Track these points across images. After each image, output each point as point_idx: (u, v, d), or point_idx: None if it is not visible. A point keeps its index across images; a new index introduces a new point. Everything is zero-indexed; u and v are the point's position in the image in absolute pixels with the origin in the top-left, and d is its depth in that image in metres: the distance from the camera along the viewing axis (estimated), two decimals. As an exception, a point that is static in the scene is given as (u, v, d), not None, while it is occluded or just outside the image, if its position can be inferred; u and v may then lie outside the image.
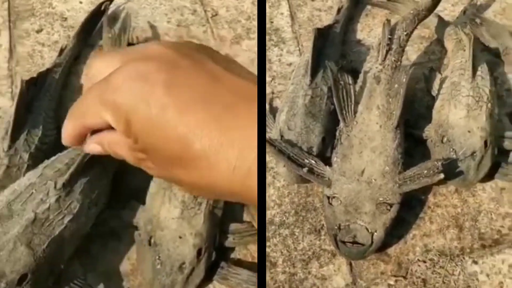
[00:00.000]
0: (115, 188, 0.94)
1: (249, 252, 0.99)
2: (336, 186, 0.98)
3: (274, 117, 1.11)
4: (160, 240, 0.88)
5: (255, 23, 1.20)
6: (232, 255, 0.98)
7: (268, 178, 1.09)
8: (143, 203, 0.93)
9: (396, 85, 1.03)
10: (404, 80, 1.02)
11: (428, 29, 1.27)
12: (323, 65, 1.11)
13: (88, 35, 1.13)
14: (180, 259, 0.88)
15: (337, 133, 1.04)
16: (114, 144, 0.63)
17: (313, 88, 1.07)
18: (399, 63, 1.08)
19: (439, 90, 1.11)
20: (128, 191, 0.97)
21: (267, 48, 1.26)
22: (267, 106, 1.15)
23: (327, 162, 1.02)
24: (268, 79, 1.21)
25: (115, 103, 0.58)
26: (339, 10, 1.27)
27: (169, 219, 0.89)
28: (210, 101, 0.56)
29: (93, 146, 0.65)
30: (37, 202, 0.80)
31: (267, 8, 1.32)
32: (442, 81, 1.12)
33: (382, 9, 1.32)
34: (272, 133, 1.07)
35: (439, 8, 1.21)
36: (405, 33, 1.11)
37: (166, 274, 0.87)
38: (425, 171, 0.97)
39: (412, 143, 1.07)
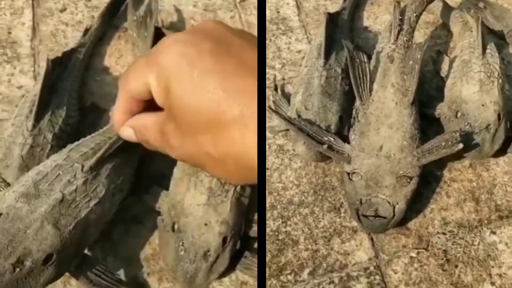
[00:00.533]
0: (138, 173, 0.94)
1: (274, 242, 1.00)
2: (356, 162, 1.00)
3: (288, 101, 1.13)
4: (185, 226, 0.87)
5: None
6: (256, 245, 0.98)
7: (285, 161, 1.10)
8: (166, 189, 0.93)
9: (410, 62, 1.05)
10: (419, 56, 1.04)
11: (433, 14, 1.29)
12: (335, 48, 1.13)
13: (113, 16, 1.11)
14: (205, 246, 0.87)
15: (353, 112, 1.06)
16: (144, 129, 0.64)
17: (327, 69, 1.09)
18: (410, 42, 1.10)
19: (449, 70, 1.13)
20: (150, 177, 0.97)
21: (275, 36, 1.28)
22: (279, 92, 1.16)
23: (345, 139, 1.04)
24: (278, 66, 1.23)
25: (160, 63, 0.59)
26: (345, -1, 1.29)
27: (194, 206, 0.87)
28: (252, 73, 0.57)
29: (128, 132, 0.66)
30: (65, 183, 0.79)
31: (274, -1, 1.34)
32: (451, 61, 1.15)
33: (386, -2, 1.35)
34: (288, 114, 1.08)
35: (442, -6, 1.24)
36: (415, 14, 1.14)
37: (190, 260, 0.86)
38: (443, 143, 0.98)
39: (425, 122, 1.09)
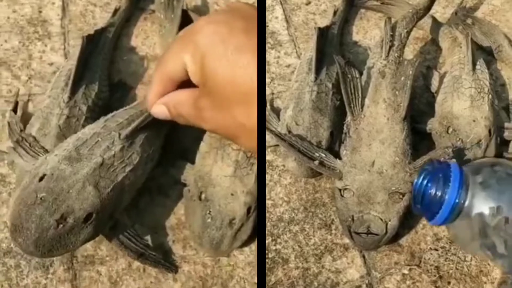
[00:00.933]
0: (164, 147, 0.98)
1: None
2: (347, 178, 0.99)
3: (278, 116, 1.12)
4: (212, 196, 0.92)
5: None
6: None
7: (274, 177, 1.09)
8: (191, 163, 0.97)
9: (402, 78, 1.04)
10: (410, 72, 1.03)
11: (422, 30, 1.30)
12: (325, 63, 1.13)
13: None
14: (230, 214, 0.92)
15: (344, 127, 1.05)
16: (178, 104, 0.70)
17: (318, 84, 1.08)
18: (401, 58, 1.10)
19: (439, 85, 1.13)
20: (177, 151, 1.01)
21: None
22: (268, 107, 1.15)
23: (336, 155, 1.03)
24: (267, 80, 1.22)
25: (195, 43, 0.65)
26: (335, 13, 1.29)
27: (221, 177, 0.92)
28: None
29: (161, 109, 0.72)
30: (104, 149, 0.84)
31: (262, 13, 1.33)
32: (442, 77, 1.14)
33: (375, 12, 1.34)
34: (278, 130, 1.07)
35: (431, 11, 1.24)
36: (405, 30, 1.14)
37: (216, 228, 0.91)
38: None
39: (416, 137, 1.08)
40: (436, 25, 1.28)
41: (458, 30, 1.23)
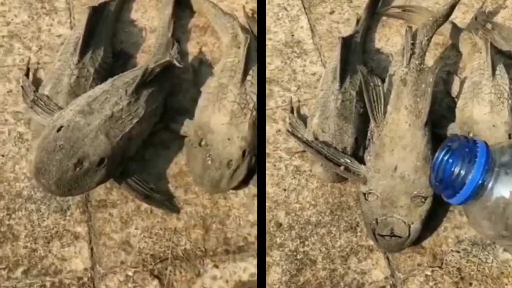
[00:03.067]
0: (166, 106, 1.11)
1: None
2: (371, 183, 1.03)
3: (304, 123, 1.16)
4: (211, 141, 1.04)
5: None
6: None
7: (302, 181, 1.13)
8: (191, 118, 1.08)
9: (423, 85, 1.08)
10: (431, 79, 1.07)
11: (442, 35, 1.32)
12: (349, 71, 1.17)
13: None
14: (228, 157, 1.03)
15: (368, 133, 1.09)
16: None
17: (343, 93, 1.13)
18: (422, 65, 1.13)
19: (460, 91, 1.16)
20: (176, 109, 1.12)
21: (290, 59, 1.31)
22: (295, 114, 1.19)
23: (360, 161, 1.07)
24: (294, 88, 1.26)
25: None
26: (357, 21, 1.32)
27: (219, 125, 1.03)
28: None
29: None
30: (113, 104, 0.97)
31: (287, 23, 1.37)
32: (462, 82, 1.17)
33: (396, 20, 1.38)
34: (305, 136, 1.11)
35: (451, 16, 1.27)
36: (426, 38, 1.17)
37: (216, 168, 1.03)
38: (457, 164, 1.01)
39: (437, 142, 1.11)
40: (456, 30, 1.30)
41: (477, 36, 1.25)
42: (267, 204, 1.10)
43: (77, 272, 0.98)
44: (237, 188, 1.08)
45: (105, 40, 1.16)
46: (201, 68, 1.22)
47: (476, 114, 1.09)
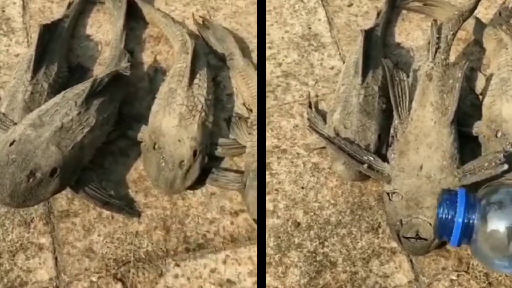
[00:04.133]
0: (122, 114, 1.14)
1: (234, 163, 1.13)
2: (396, 182, 0.99)
3: (322, 118, 1.12)
4: (163, 144, 1.06)
5: None
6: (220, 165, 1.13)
7: (321, 179, 1.09)
8: (146, 124, 1.11)
9: (450, 81, 1.04)
10: (459, 75, 1.03)
11: (465, 31, 1.28)
12: (371, 66, 1.13)
13: None
14: (180, 157, 1.05)
15: (391, 130, 1.05)
16: None
17: (365, 88, 1.09)
18: (447, 60, 1.10)
19: (486, 87, 1.12)
20: (132, 117, 1.15)
21: (307, 52, 1.27)
22: (313, 109, 1.15)
23: (384, 159, 1.03)
24: (311, 82, 1.22)
25: None
26: (378, 15, 1.28)
27: (169, 127, 1.07)
28: None
29: None
30: (62, 115, 1.01)
31: (304, 15, 1.33)
32: (488, 79, 1.14)
33: (417, 14, 1.34)
34: (325, 132, 1.07)
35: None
36: (451, 32, 1.14)
37: (169, 169, 1.05)
38: (486, 164, 0.97)
39: (461, 140, 1.07)
40: (480, 26, 1.26)
41: (502, 31, 1.22)
42: (284, 202, 1.07)
43: (43, 283, 0.99)
44: (193, 188, 1.08)
45: (59, 55, 1.19)
46: (156, 76, 1.23)
47: (505, 112, 1.05)
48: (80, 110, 1.02)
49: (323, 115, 1.13)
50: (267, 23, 1.32)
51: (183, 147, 1.06)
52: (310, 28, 1.32)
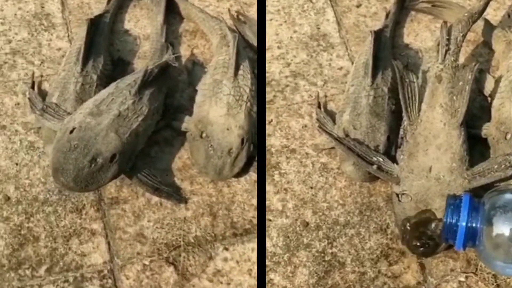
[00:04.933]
0: (166, 105, 1.17)
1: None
2: (405, 183, 0.99)
3: (331, 118, 1.13)
4: (211, 132, 1.09)
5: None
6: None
7: (329, 179, 1.10)
8: (190, 115, 1.14)
9: (460, 83, 1.04)
10: (469, 77, 1.03)
11: (473, 32, 1.28)
12: (380, 67, 1.13)
13: None
14: (228, 145, 1.08)
15: (401, 132, 1.05)
16: None
17: (374, 89, 1.09)
18: (457, 62, 1.10)
19: (495, 89, 1.12)
20: (176, 108, 1.18)
21: (316, 53, 1.27)
22: (322, 109, 1.16)
23: (392, 160, 1.03)
24: (320, 83, 1.22)
25: None
26: (387, 15, 1.28)
27: (217, 117, 1.09)
28: None
29: None
30: (119, 104, 1.05)
31: (313, 15, 1.33)
32: (497, 81, 1.13)
33: (426, 15, 1.34)
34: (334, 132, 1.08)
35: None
36: (461, 34, 1.14)
37: (218, 157, 1.07)
38: (496, 166, 0.97)
39: (469, 142, 1.07)
40: (489, 27, 1.26)
41: (511, 33, 1.22)
42: (293, 202, 1.08)
43: (97, 266, 1.01)
44: (238, 175, 1.11)
45: (104, 49, 1.23)
46: (195, 69, 1.25)
47: (515, 115, 1.05)
48: (134, 99, 1.06)
49: (331, 116, 1.14)
50: (276, 23, 1.32)
51: (231, 135, 1.08)
52: (318, 28, 1.32)
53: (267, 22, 1.31)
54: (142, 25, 1.33)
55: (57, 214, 1.05)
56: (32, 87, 1.17)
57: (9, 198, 1.06)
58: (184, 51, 1.28)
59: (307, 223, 1.05)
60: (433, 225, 0.95)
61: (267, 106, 1.18)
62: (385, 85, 1.10)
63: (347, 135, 1.04)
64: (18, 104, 1.17)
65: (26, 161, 1.10)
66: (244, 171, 1.11)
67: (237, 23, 1.28)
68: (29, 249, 1.01)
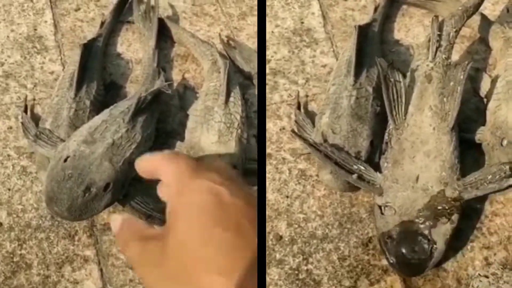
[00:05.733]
0: (158, 130, 1.16)
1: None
2: (389, 194, 0.90)
3: (311, 121, 1.05)
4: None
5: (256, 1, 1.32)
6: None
7: (307, 188, 1.01)
8: (181, 140, 1.12)
9: (451, 83, 0.96)
10: (461, 77, 0.95)
11: (469, 28, 1.20)
12: (365, 64, 1.05)
13: (120, 12, 1.36)
14: None
15: (385, 136, 0.97)
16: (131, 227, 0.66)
17: (357, 89, 1.01)
18: (449, 60, 1.01)
19: (491, 90, 1.04)
20: (168, 133, 1.16)
21: (299, 49, 1.19)
22: (302, 110, 1.08)
23: (376, 167, 0.94)
24: (301, 81, 1.15)
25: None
26: (375, 9, 1.21)
27: (209, 144, 1.06)
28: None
29: (115, 223, 0.65)
30: (113, 132, 1.04)
31: (296, 8, 1.25)
32: (493, 81, 1.05)
33: (418, 9, 1.25)
34: (312, 138, 0.99)
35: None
36: (454, 29, 1.05)
37: None
38: (490, 176, 0.89)
39: (462, 147, 0.99)
40: (486, 23, 1.18)
41: (510, 29, 1.13)
42: (266, 212, 0.99)
43: None
44: None
45: (96, 73, 1.23)
46: (186, 93, 1.21)
47: (511, 119, 0.96)
48: (128, 127, 1.06)
49: (312, 118, 1.06)
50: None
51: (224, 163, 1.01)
52: (302, 23, 1.24)
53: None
54: (134, 48, 1.31)
55: (50, 241, 1.03)
56: (25, 111, 1.17)
57: (1, 224, 1.04)
58: (176, 75, 1.25)
59: (281, 237, 0.97)
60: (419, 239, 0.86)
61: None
62: (370, 84, 1.02)
63: (325, 140, 0.96)
64: (11, 128, 1.16)
65: (19, 186, 1.09)
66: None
67: (227, 48, 1.25)
68: (22, 277, 1.00)
